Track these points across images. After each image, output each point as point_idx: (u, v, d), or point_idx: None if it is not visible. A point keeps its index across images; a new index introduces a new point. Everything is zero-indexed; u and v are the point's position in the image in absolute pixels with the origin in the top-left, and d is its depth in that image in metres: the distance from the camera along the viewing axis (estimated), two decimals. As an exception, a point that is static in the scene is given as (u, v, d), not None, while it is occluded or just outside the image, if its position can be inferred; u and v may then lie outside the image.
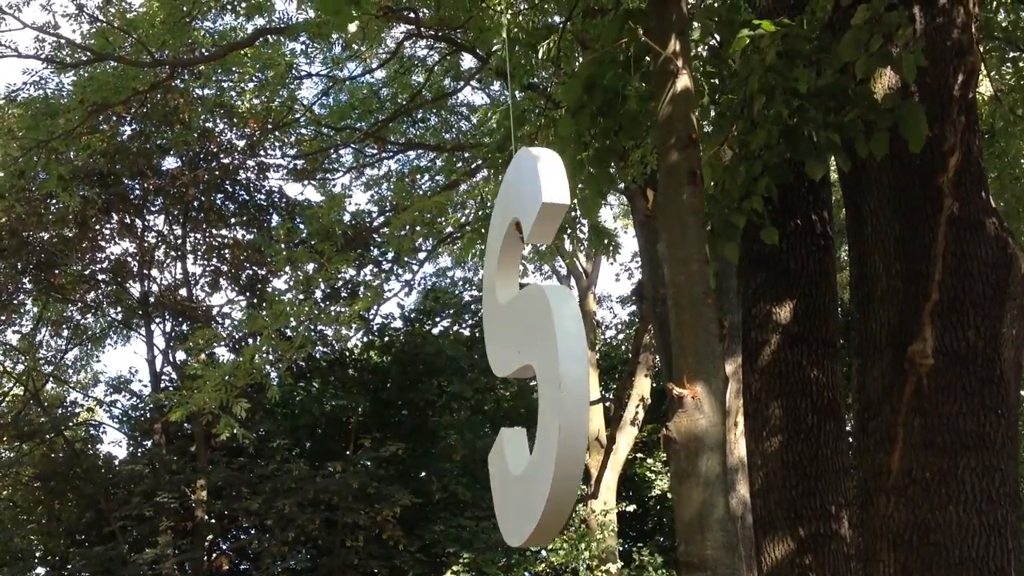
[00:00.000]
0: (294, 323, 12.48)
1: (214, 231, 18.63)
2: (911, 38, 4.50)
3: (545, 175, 2.95)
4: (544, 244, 3.39)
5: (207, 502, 17.06)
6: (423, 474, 18.62)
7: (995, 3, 8.60)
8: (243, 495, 16.57)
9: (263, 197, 18.45)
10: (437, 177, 15.80)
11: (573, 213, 11.10)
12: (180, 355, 18.88)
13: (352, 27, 5.12)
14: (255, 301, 17.41)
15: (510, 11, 8.65)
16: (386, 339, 19.55)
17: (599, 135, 5.17)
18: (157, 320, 19.08)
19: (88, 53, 12.68)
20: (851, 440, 5.71)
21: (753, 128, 4.90)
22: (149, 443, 19.15)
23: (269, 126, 16.05)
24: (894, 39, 4.40)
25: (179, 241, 18.66)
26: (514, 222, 3.24)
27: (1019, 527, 4.46)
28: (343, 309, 14.14)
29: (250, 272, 18.63)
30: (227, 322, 18.90)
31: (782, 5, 5.79)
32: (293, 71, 14.38)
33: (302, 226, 15.90)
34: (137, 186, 17.82)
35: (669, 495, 17.65)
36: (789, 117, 4.82)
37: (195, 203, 18.06)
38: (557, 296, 2.82)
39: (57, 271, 17.63)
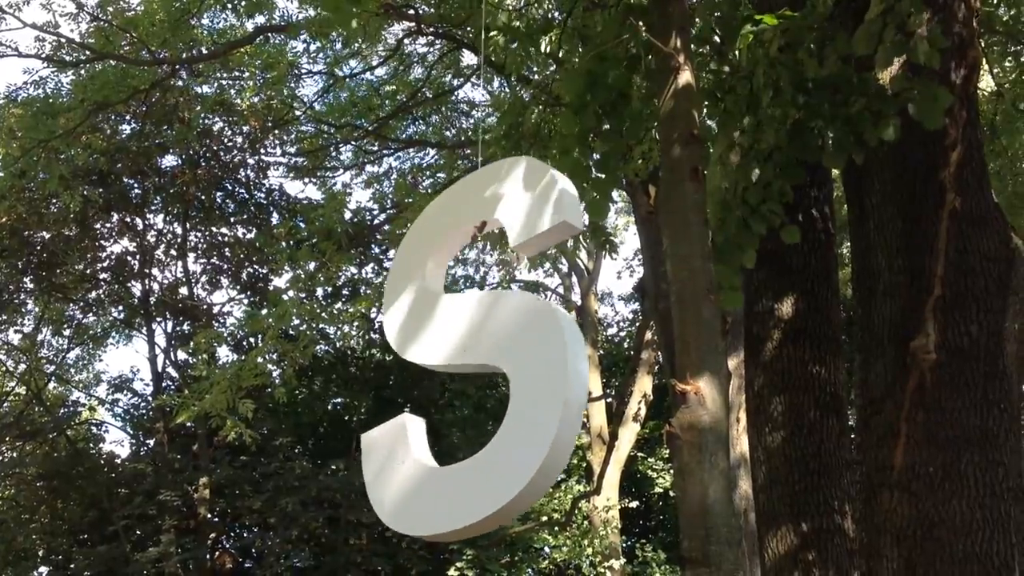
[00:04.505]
0: (296, 322, 12.47)
1: (214, 229, 18.63)
2: (924, 25, 4.49)
3: (565, 196, 3.04)
4: (524, 257, 3.50)
5: (210, 500, 17.06)
6: (426, 472, 18.59)
7: (996, -3, 8.59)
8: (246, 493, 16.59)
9: (263, 195, 18.45)
10: (438, 175, 15.80)
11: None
12: (181, 354, 18.91)
13: (353, 23, 5.11)
14: (256, 300, 17.42)
15: (509, 7, 8.65)
16: (388, 337, 19.53)
17: (604, 137, 5.16)
18: (158, 319, 19.08)
19: (88, 52, 12.68)
20: (854, 435, 5.72)
21: (759, 127, 4.89)
22: (151, 442, 19.17)
23: (269, 123, 16.05)
24: (907, 27, 4.38)
25: (179, 240, 18.66)
26: (481, 222, 3.29)
27: (1023, 522, 4.45)
28: (345, 307, 14.14)
29: (250, 270, 18.64)
30: (229, 321, 18.94)
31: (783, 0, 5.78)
32: (293, 69, 14.39)
33: (302, 224, 15.90)
34: (137, 185, 17.83)
35: (671, 491, 17.67)
36: (796, 112, 4.80)
37: (195, 201, 18.05)
38: (564, 316, 2.91)
39: (58, 270, 17.64)
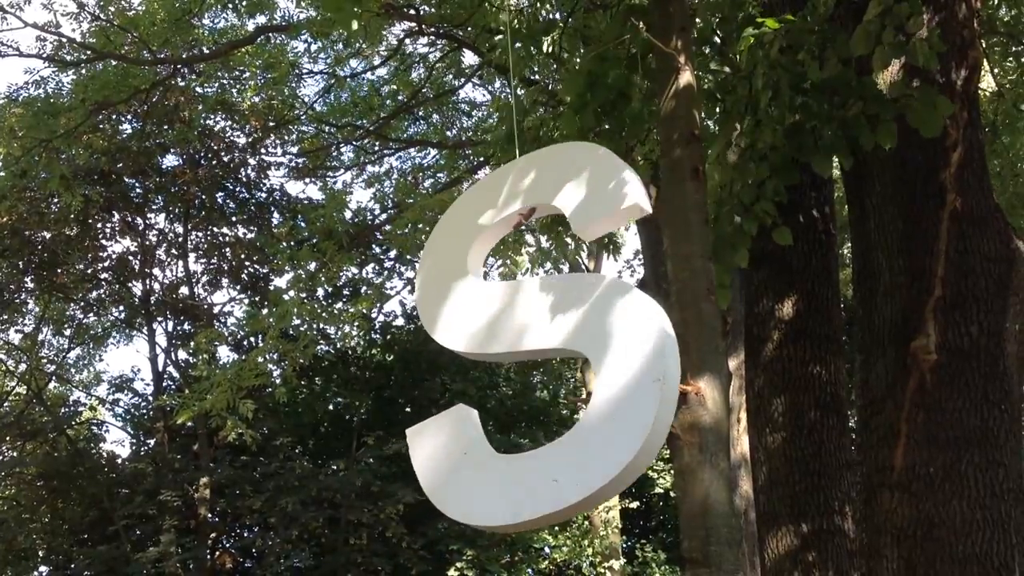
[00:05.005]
0: (297, 322, 12.48)
1: (215, 229, 18.64)
2: (923, 27, 4.49)
3: (631, 178, 3.04)
4: (587, 239, 3.43)
5: (210, 500, 17.06)
6: (426, 472, 18.56)
7: (997, -2, 8.59)
8: (246, 493, 16.58)
9: (264, 195, 18.46)
10: (439, 175, 15.81)
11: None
12: (182, 354, 18.92)
13: (354, 24, 5.11)
14: (257, 300, 17.43)
15: (511, 7, 8.64)
16: (389, 337, 19.55)
17: (604, 136, 5.16)
18: (159, 319, 19.09)
19: (89, 52, 12.69)
20: (854, 436, 5.72)
21: (758, 126, 4.89)
22: (152, 442, 19.17)
23: (270, 123, 16.05)
24: (906, 29, 4.39)
25: (180, 239, 18.66)
26: (529, 209, 3.24)
27: (1023, 523, 4.45)
28: (346, 308, 14.15)
29: (251, 270, 18.64)
30: (230, 321, 18.93)
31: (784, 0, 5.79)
32: (294, 69, 14.40)
33: (303, 224, 15.91)
34: (138, 184, 17.83)
35: (672, 492, 17.68)
36: (792, 113, 4.80)
37: (196, 201, 18.06)
38: (651, 299, 2.93)
39: (59, 270, 17.64)
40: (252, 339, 16.48)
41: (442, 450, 3.10)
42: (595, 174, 3.14)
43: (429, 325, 3.32)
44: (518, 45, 6.51)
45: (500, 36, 7.82)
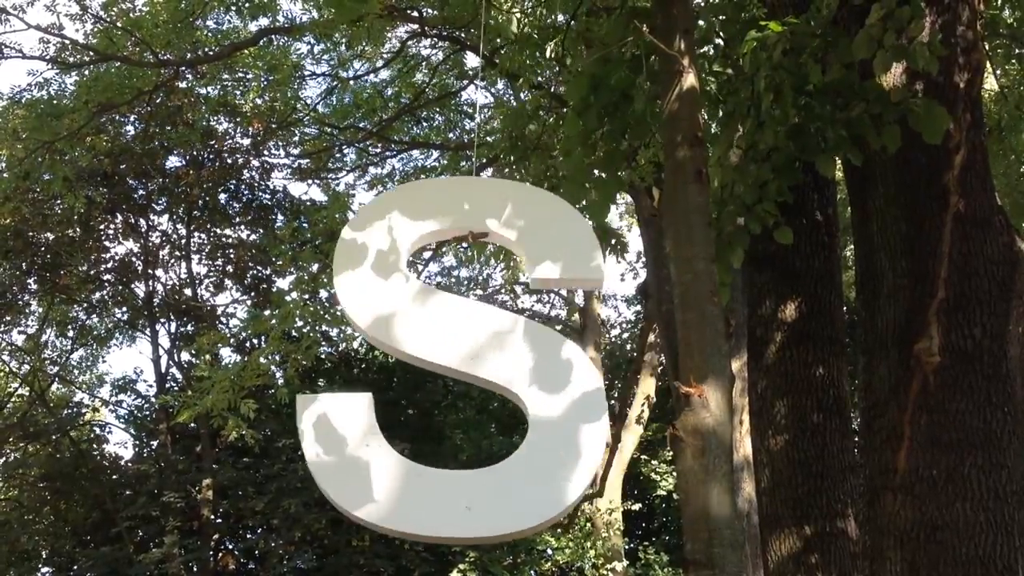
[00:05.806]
0: (300, 323, 12.47)
1: (218, 231, 18.66)
2: (924, 30, 4.48)
3: (595, 252, 3.26)
4: (533, 287, 3.61)
5: (213, 502, 17.08)
6: (428, 473, 18.57)
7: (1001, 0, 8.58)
8: (249, 495, 16.59)
9: (267, 197, 18.48)
10: (441, 176, 15.81)
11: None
12: (185, 355, 18.92)
13: (353, 17, 5.12)
14: (259, 301, 17.44)
15: (514, 10, 8.66)
16: (391, 339, 19.54)
17: (607, 138, 5.16)
18: (162, 320, 19.10)
19: (92, 53, 12.71)
20: (857, 438, 5.71)
21: (760, 128, 4.89)
22: (155, 443, 19.19)
23: (273, 125, 16.08)
24: (908, 32, 4.38)
25: (183, 241, 18.68)
26: (482, 232, 3.29)
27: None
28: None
29: (254, 272, 18.65)
30: (232, 323, 18.95)
31: (787, 1, 5.78)
32: (297, 71, 14.42)
33: (306, 226, 15.92)
34: (141, 186, 17.86)
35: (674, 494, 17.67)
36: (796, 115, 4.80)
37: (199, 203, 18.08)
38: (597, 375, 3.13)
39: (62, 272, 17.66)
40: (254, 340, 16.48)
41: (339, 431, 3.10)
42: (562, 234, 3.24)
43: (352, 308, 3.33)
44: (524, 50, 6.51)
45: (504, 45, 7.83)
